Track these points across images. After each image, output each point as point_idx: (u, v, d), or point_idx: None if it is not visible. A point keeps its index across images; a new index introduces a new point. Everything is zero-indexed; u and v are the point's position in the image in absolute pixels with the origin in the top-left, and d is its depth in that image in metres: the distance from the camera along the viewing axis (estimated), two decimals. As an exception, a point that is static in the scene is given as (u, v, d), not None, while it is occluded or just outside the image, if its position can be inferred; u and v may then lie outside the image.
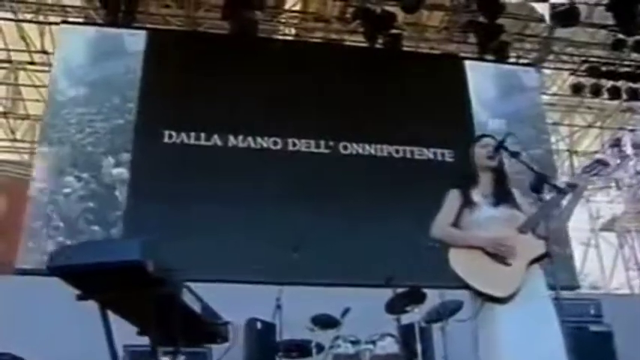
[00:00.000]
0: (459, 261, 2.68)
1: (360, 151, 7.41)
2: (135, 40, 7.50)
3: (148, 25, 8.01)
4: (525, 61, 9.43)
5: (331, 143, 7.37)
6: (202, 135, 7.23)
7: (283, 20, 9.15)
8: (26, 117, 9.50)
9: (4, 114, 9.66)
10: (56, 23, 7.85)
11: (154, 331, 2.42)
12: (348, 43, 8.99)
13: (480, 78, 8.42)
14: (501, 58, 8.75)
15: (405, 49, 8.63)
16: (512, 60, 9.16)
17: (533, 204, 2.80)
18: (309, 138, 7.34)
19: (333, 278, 5.76)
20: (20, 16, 8.18)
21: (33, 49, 8.82)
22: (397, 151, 7.56)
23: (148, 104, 7.21)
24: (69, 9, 8.12)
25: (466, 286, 2.63)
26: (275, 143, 7.28)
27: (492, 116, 8.20)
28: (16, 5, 7.91)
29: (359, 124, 7.51)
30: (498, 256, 2.64)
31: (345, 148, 7.40)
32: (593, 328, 5.32)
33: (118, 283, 2.27)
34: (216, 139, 7.23)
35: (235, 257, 6.09)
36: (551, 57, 9.80)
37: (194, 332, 2.78)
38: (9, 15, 8.10)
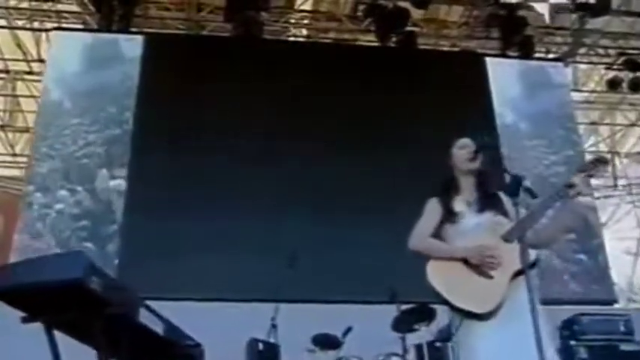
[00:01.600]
0: (437, 274, 2.62)
1: (370, 157, 7.31)
2: (132, 45, 7.60)
3: (145, 30, 8.13)
4: (554, 55, 9.29)
5: (337, 150, 7.31)
6: (203, 144, 7.23)
7: (292, 21, 9.17)
8: (25, 130, 9.66)
9: (2, 127, 9.82)
10: (49, 30, 7.98)
11: (105, 354, 2.39)
12: (360, 43, 8.94)
13: (503, 76, 8.33)
14: (526, 53, 8.64)
15: (422, 47, 8.59)
16: (538, 55, 9.03)
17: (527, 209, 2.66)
18: (311, 145, 7.30)
19: (333, 295, 5.74)
20: (13, 23, 8.34)
21: (30, 58, 8.97)
22: (411, 157, 7.42)
23: (145, 113, 7.28)
24: (65, 14, 8.26)
25: (444, 302, 2.57)
26: (274, 151, 7.24)
27: (517, 117, 8.10)
28: (7, 12, 8.07)
29: (369, 129, 7.46)
30: (480, 267, 2.58)
31: (352, 154, 7.32)
32: (624, 347, 5.20)
33: (62, 303, 2.28)
34: (216, 149, 7.21)
35: (227, 274, 6.12)
36: (583, 50, 9.59)
37: (156, 355, 2.77)
38: (2, 22, 8.27)
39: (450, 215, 2.77)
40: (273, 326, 4.79)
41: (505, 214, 2.70)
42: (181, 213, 6.65)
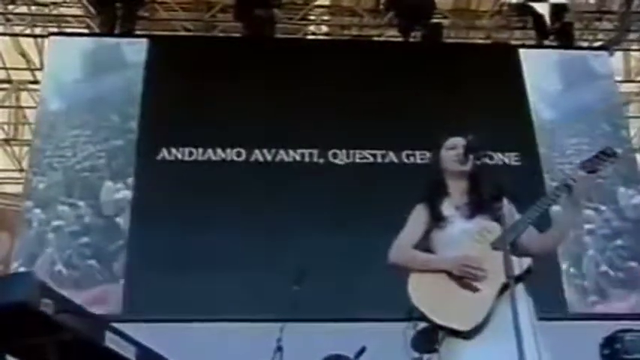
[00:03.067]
0: (418, 287, 2.58)
1: (391, 164, 7.29)
2: (135, 49, 7.66)
3: (150, 32, 8.20)
4: (598, 44, 9.08)
5: (352, 153, 7.31)
6: (210, 151, 7.32)
7: (312, 17, 9.14)
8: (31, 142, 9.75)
9: (7, 140, 9.97)
10: (46, 35, 8.11)
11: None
12: (383, 38, 8.87)
13: (540, 68, 8.16)
14: (566, 42, 8.48)
15: (449, 40, 8.51)
16: (580, 44, 8.87)
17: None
18: (329, 149, 7.33)
19: (344, 312, 5.70)
20: (13, 29, 8.50)
21: (32, 66, 9.13)
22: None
23: (150, 121, 7.33)
24: (67, 18, 8.38)
25: (424, 318, 2.52)
26: (286, 162, 7.28)
27: (556, 113, 7.93)
28: (5, 17, 8.22)
29: (392, 132, 7.39)
30: (465, 280, 2.52)
31: (372, 162, 7.30)
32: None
33: (12, 328, 2.25)
34: (225, 156, 7.29)
35: (233, 292, 6.14)
36: (635, 37, 9.36)
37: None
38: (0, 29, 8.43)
39: (437, 220, 2.72)
40: (279, 348, 4.74)
41: (497, 219, 2.60)
42: (189, 227, 6.69)
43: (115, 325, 2.52)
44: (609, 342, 5.27)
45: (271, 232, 6.58)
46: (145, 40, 7.81)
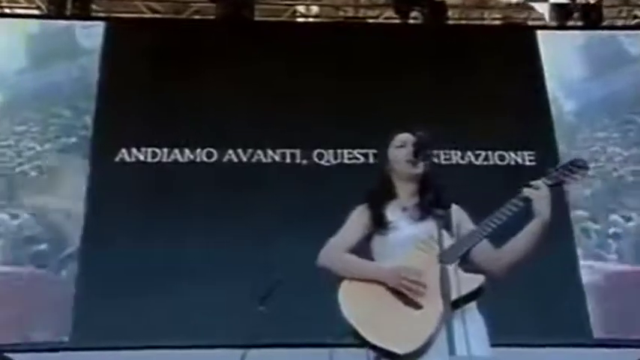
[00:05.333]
0: (351, 300, 2.55)
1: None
2: (90, 33, 7.49)
3: (108, 14, 8.01)
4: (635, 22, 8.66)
5: (340, 153, 7.17)
6: (176, 152, 7.15)
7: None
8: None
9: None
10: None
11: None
12: (381, 20, 8.58)
13: (561, 53, 7.93)
14: (592, 22, 8.16)
15: (452, 22, 8.27)
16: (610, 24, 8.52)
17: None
18: (313, 149, 7.19)
19: (316, 337, 5.33)
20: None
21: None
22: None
23: (107, 117, 7.18)
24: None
25: (355, 335, 2.47)
26: (265, 165, 7.12)
27: (580, 103, 7.67)
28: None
29: (388, 128, 6.98)
30: (404, 294, 2.49)
31: (359, 159, 7.15)
32: None
33: None
34: (194, 157, 7.14)
35: (190, 314, 6.01)
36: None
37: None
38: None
39: (379, 225, 2.72)
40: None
41: (449, 227, 2.59)
42: (148, 239, 6.54)
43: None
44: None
45: (240, 245, 6.39)
46: (102, 24, 7.63)
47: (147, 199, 6.79)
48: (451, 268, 2.35)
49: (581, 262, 6.69)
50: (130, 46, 7.47)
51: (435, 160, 6.45)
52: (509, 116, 7.21)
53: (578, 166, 2.64)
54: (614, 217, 6.95)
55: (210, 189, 6.86)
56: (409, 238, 2.61)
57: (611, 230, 6.92)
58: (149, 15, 8.24)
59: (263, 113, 7.12)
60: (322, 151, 7.18)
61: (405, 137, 2.84)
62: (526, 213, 2.59)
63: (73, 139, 7.08)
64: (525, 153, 7.22)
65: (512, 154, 7.20)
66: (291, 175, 7.06)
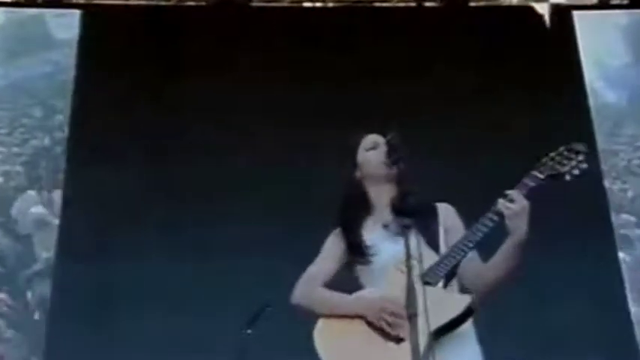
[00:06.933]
0: (327, 336, 2.56)
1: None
2: (65, 23, 7.36)
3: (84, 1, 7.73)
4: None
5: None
6: (164, 158, 6.94)
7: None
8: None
9: None
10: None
11: None
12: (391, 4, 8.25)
13: (601, 36, 7.68)
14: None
15: (473, 4, 7.97)
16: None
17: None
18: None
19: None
20: None
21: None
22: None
23: (85, 116, 7.02)
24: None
25: None
26: (265, 169, 6.76)
27: (623, 93, 7.43)
28: None
29: (410, 122, 6.70)
30: (384, 328, 2.46)
31: None
32: None
33: None
34: (182, 163, 6.87)
35: (168, 338, 5.88)
36: None
37: None
38: None
39: (358, 254, 2.73)
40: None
41: (436, 235, 2.68)
42: (131, 252, 6.39)
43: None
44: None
45: (224, 259, 6.20)
46: (77, 12, 7.44)
47: (130, 209, 6.58)
48: (435, 289, 2.39)
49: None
50: (109, 37, 7.30)
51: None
52: (541, 108, 6.99)
53: (576, 151, 2.59)
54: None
55: (200, 199, 6.67)
56: (391, 259, 2.57)
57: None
58: (132, 1, 7.99)
59: (263, 113, 6.92)
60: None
61: (375, 138, 2.86)
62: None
63: (47, 141, 7.01)
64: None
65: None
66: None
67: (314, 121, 6.70)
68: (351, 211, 2.82)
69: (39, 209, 6.70)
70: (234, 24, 7.49)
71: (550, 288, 6.08)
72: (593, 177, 6.60)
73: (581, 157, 2.59)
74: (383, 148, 2.75)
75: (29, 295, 6.36)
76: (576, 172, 2.58)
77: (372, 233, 2.72)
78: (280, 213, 6.37)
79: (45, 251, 6.51)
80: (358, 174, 2.86)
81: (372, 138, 2.87)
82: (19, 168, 6.85)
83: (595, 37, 7.61)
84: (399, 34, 7.40)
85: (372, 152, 2.83)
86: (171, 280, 6.17)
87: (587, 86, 7.31)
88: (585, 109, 7.15)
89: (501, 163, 6.05)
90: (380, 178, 2.78)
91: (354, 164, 2.88)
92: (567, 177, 2.58)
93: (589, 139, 6.77)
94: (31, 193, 6.78)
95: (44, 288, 6.35)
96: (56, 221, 6.62)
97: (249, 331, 4.86)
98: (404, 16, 7.89)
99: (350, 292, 2.70)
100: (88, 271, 6.29)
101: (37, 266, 6.47)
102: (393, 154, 2.68)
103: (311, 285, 2.72)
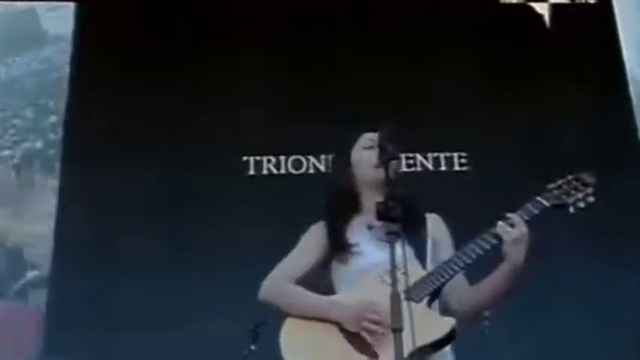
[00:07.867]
0: (295, 341, 2.53)
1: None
2: (58, 17, 7.28)
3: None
4: None
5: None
6: (166, 160, 6.80)
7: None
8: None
9: None
10: None
11: None
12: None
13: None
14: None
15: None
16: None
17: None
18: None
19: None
20: None
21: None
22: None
23: (81, 117, 6.94)
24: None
25: None
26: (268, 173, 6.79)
27: None
28: None
29: (422, 127, 6.75)
30: (361, 339, 2.44)
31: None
32: None
33: None
34: (184, 167, 6.77)
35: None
36: None
37: None
38: None
39: (339, 248, 2.73)
40: None
41: (424, 247, 2.69)
42: (129, 259, 6.29)
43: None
44: None
45: (227, 270, 6.07)
46: (71, 4, 7.36)
47: (128, 215, 6.54)
48: (419, 306, 2.39)
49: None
50: (106, 32, 7.19)
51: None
52: (572, 103, 6.77)
53: (584, 183, 2.60)
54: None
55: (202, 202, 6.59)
56: (373, 266, 2.57)
57: None
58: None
59: (263, 114, 6.88)
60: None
61: (373, 136, 2.85)
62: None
63: (39, 144, 6.96)
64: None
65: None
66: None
67: (313, 114, 6.63)
68: (339, 208, 2.85)
69: (33, 216, 6.66)
70: (236, 15, 7.34)
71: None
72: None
73: (589, 190, 2.60)
74: (376, 150, 2.75)
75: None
76: (581, 204, 2.58)
77: (357, 233, 2.74)
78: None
79: (39, 259, 6.47)
80: (351, 172, 2.89)
81: (369, 136, 2.89)
82: (10, 173, 6.78)
83: (636, 18, 7.40)
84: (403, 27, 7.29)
85: (366, 151, 2.86)
86: (171, 289, 6.09)
87: (627, 76, 7.06)
88: (626, 97, 6.92)
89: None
90: (369, 178, 2.81)
91: (348, 162, 2.91)
92: (571, 209, 2.58)
93: (630, 130, 6.83)
94: (25, 198, 6.75)
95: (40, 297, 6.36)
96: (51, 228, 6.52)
97: (252, 347, 4.76)
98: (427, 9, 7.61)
99: (320, 292, 2.68)
100: (85, 277, 6.19)
101: (34, 272, 6.43)
102: (383, 155, 2.64)
103: (281, 280, 2.71)
